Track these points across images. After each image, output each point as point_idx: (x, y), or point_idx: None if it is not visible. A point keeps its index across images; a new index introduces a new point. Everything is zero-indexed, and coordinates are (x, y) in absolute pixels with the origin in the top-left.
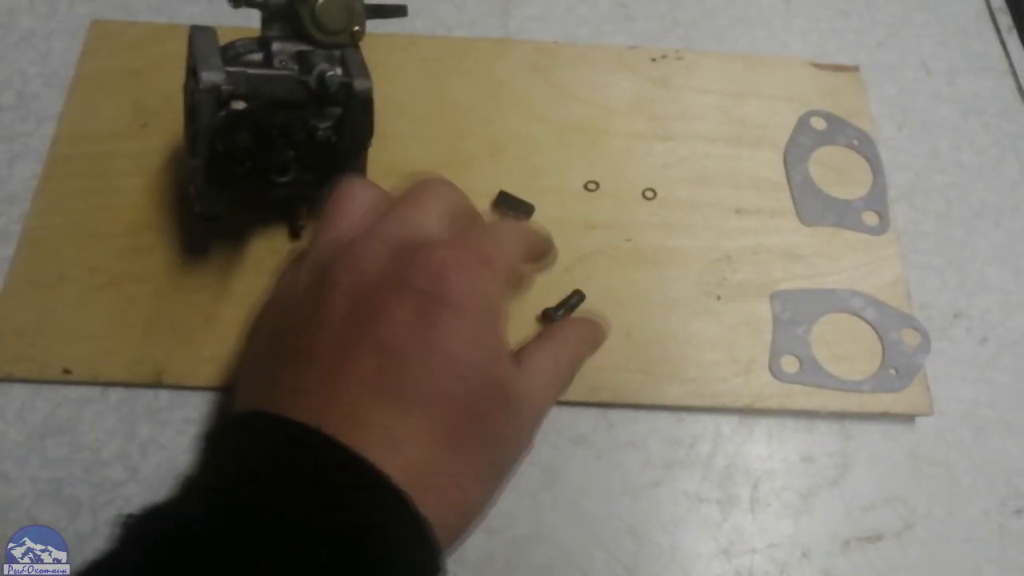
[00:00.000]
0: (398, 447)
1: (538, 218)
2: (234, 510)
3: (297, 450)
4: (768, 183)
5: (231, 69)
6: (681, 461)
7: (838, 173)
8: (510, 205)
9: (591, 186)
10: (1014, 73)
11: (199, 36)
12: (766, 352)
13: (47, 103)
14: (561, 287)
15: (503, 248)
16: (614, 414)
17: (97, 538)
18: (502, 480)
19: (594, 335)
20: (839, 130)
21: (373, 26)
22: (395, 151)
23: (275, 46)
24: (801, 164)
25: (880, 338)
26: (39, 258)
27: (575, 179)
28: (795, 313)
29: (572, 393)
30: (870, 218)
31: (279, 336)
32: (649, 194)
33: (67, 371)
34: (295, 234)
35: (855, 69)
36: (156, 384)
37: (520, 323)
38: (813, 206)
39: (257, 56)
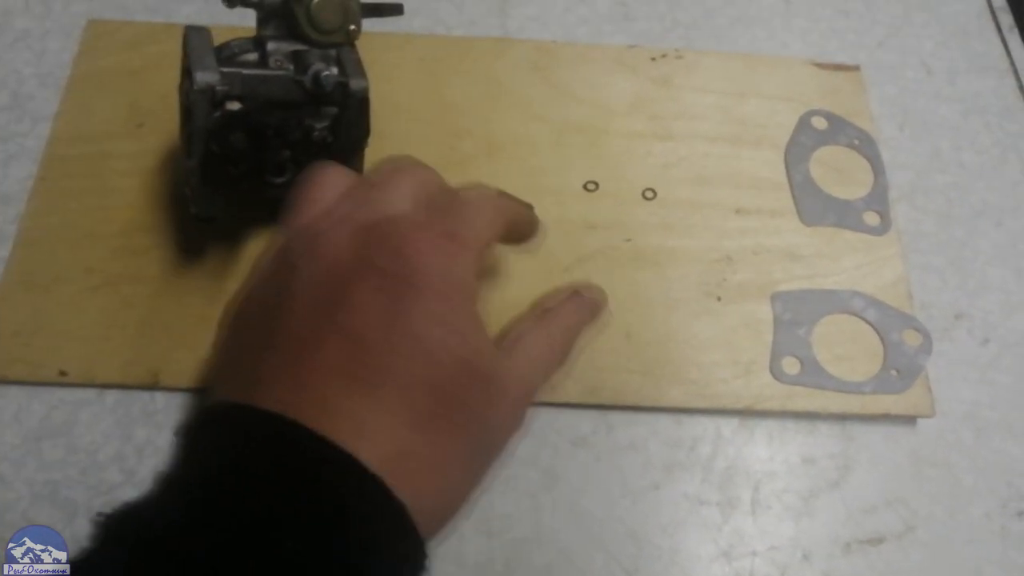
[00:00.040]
0: (371, 434)
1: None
2: (213, 507)
3: (270, 442)
4: (768, 183)
5: (226, 70)
6: (681, 463)
7: (839, 173)
8: None
9: (591, 186)
10: (1015, 72)
11: (194, 36)
12: (767, 353)
13: (42, 103)
14: None
15: (473, 223)
16: (614, 416)
17: None
18: (487, 464)
19: (589, 307)
20: (840, 130)
21: (370, 25)
22: (392, 151)
23: (270, 46)
24: (802, 164)
25: (881, 339)
26: (34, 259)
27: (575, 179)
28: (796, 314)
29: (571, 395)
30: (871, 218)
31: (248, 327)
32: (649, 194)
33: (63, 373)
34: None
35: (856, 69)
36: (152, 386)
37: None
38: (814, 206)
39: (252, 56)
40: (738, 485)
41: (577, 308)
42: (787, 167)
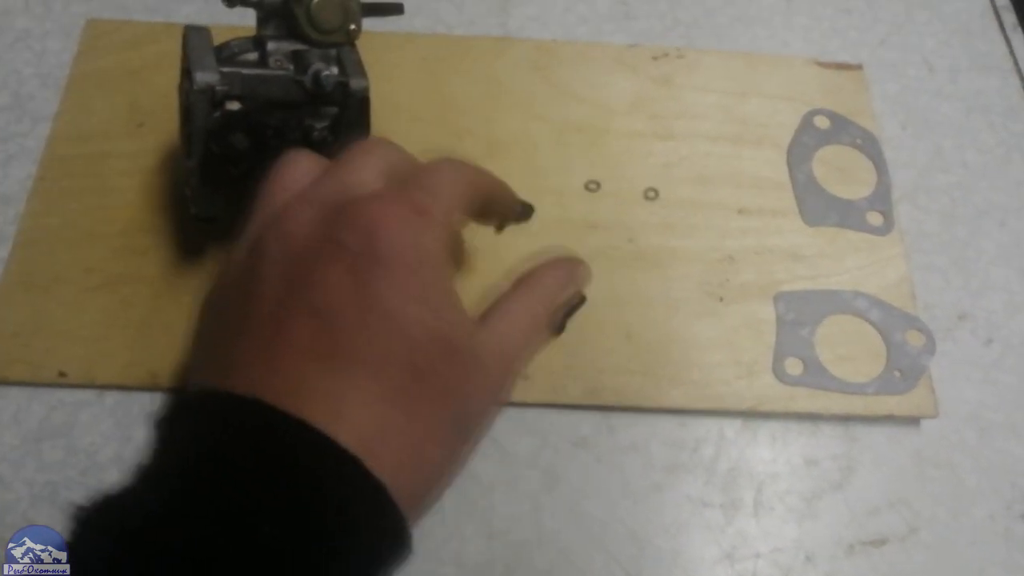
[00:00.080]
0: (347, 414)
1: (538, 218)
2: (191, 497)
3: (247, 429)
4: (771, 183)
5: (226, 69)
6: (684, 464)
7: (841, 172)
8: None
9: (592, 186)
10: (1019, 71)
11: (193, 36)
12: (769, 354)
13: (42, 103)
14: None
15: (441, 196)
16: (615, 417)
17: None
18: (467, 439)
19: (572, 275)
20: (843, 129)
21: (370, 24)
22: None
23: (270, 45)
24: (804, 163)
25: (884, 340)
26: (34, 259)
27: (575, 179)
28: (799, 314)
29: (572, 396)
30: (874, 218)
31: (221, 313)
32: (651, 194)
33: (63, 374)
34: None
35: (858, 67)
36: (152, 387)
37: None
38: (816, 206)
39: (252, 56)
40: (741, 487)
41: (555, 275)
42: (789, 167)
